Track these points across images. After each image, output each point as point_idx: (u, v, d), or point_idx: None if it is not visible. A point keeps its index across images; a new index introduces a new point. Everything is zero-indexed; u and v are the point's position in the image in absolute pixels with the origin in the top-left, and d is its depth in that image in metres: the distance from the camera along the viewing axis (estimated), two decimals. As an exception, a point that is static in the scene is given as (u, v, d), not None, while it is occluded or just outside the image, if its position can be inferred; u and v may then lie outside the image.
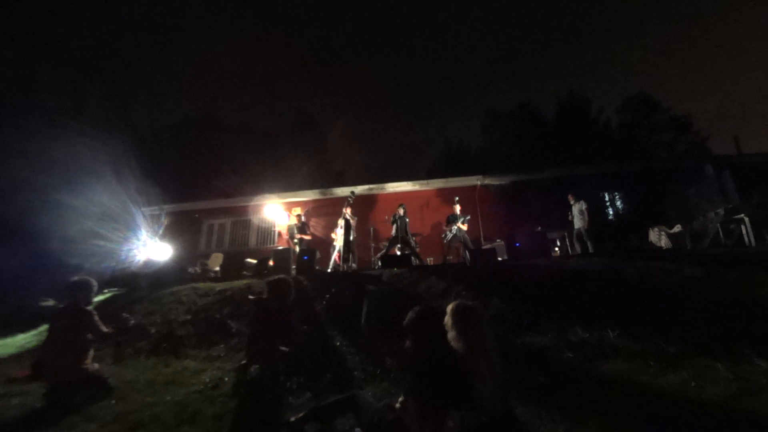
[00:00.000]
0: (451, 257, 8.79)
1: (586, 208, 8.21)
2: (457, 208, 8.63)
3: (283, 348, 3.68)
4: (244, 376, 3.55)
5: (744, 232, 7.11)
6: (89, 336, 3.65)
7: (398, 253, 8.15)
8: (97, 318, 3.74)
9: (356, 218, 8.63)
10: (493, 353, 2.01)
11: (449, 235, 8.50)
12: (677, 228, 8.21)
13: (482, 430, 1.80)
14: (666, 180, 10.77)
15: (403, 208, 8.58)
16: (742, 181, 8.85)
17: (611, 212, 11.51)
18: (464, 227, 8.39)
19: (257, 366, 3.64)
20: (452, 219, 8.54)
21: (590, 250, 7.88)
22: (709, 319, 3.95)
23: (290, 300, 3.88)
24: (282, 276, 4.05)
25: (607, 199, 11.59)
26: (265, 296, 3.93)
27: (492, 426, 1.82)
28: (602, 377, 3.27)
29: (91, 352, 3.64)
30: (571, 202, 8.46)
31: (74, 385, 3.37)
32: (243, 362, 3.68)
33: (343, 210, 8.26)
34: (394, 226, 8.42)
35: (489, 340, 2.04)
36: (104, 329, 3.75)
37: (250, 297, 4.66)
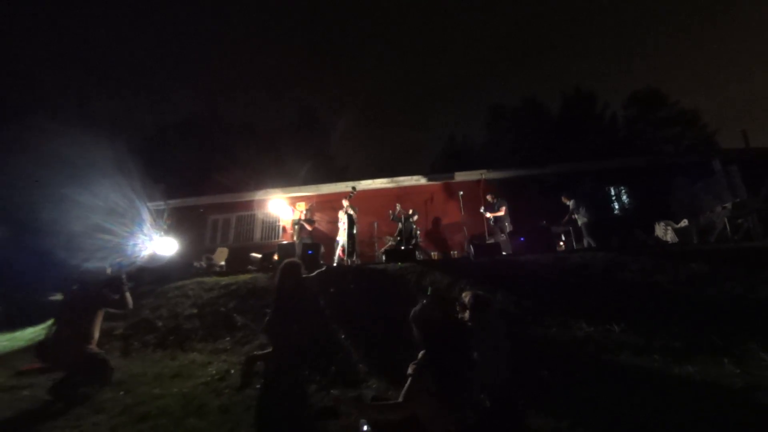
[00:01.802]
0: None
1: (573, 208, 8.39)
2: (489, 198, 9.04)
3: (302, 328, 3.69)
4: (250, 369, 3.58)
5: (751, 226, 7.04)
6: (101, 315, 3.77)
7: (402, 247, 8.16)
8: (107, 292, 3.86)
9: (357, 209, 8.62)
10: (502, 337, 2.10)
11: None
12: (684, 223, 8.14)
13: (489, 420, 1.82)
14: (673, 175, 10.66)
15: (414, 212, 8.89)
16: (750, 176, 8.71)
17: (617, 207, 11.43)
18: (501, 213, 8.65)
19: (264, 360, 3.66)
20: (489, 207, 8.95)
21: (592, 245, 7.87)
22: (715, 314, 3.93)
23: (301, 279, 3.86)
24: (291, 259, 4.07)
25: (612, 193, 11.51)
26: (277, 281, 3.87)
27: (499, 414, 1.84)
28: (607, 371, 3.27)
29: (96, 336, 3.70)
30: (567, 203, 8.56)
31: (77, 365, 3.42)
32: (256, 353, 3.71)
33: (344, 204, 8.26)
34: (399, 225, 8.47)
35: (499, 327, 2.15)
36: (115, 296, 3.86)
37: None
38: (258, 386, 3.38)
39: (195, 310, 5.47)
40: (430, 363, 1.91)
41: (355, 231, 8.14)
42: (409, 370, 1.94)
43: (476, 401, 1.88)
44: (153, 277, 7.10)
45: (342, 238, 8.21)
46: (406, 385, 1.90)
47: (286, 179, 19.02)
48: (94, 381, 3.49)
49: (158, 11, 61.00)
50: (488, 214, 8.90)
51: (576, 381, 3.12)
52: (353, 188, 8.82)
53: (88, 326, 3.62)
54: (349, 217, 8.06)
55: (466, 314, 2.24)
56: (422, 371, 1.90)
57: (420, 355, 1.99)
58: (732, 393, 2.70)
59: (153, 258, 9.48)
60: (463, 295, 2.33)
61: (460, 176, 11.76)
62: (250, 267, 8.20)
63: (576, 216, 8.37)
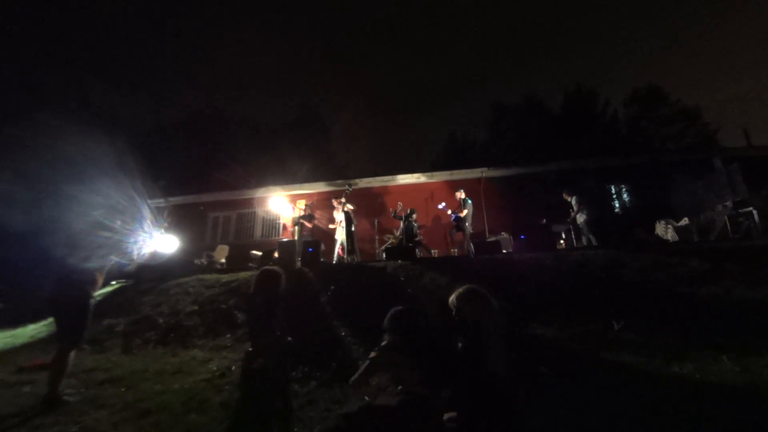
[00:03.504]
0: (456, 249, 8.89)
1: (576, 203, 8.25)
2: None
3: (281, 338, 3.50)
4: (249, 364, 3.57)
5: (752, 225, 7.03)
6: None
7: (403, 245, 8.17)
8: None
9: (354, 207, 8.57)
10: (499, 330, 2.13)
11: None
12: (684, 221, 8.14)
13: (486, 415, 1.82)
14: (673, 172, 10.64)
15: (413, 211, 8.73)
16: (752, 174, 8.70)
17: (617, 205, 11.41)
18: (463, 214, 8.45)
19: (260, 359, 3.63)
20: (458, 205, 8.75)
21: (593, 243, 7.86)
22: (716, 311, 3.93)
23: (279, 291, 3.35)
24: (267, 268, 3.53)
25: (613, 191, 11.49)
26: (251, 290, 3.65)
27: (496, 411, 1.84)
28: (606, 369, 3.27)
29: (98, 285, 3.71)
30: (568, 199, 8.49)
31: (71, 308, 3.39)
32: (249, 350, 3.69)
33: (341, 202, 8.23)
34: (402, 225, 8.47)
35: (498, 320, 2.23)
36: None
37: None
38: (256, 382, 3.37)
39: (196, 307, 5.49)
40: (396, 346, 1.98)
41: (353, 228, 8.11)
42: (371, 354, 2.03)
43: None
44: (154, 274, 7.11)
45: (340, 236, 8.20)
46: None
47: (286, 177, 19.01)
48: (70, 332, 3.37)
49: (159, 8, 60.88)
50: (449, 212, 8.73)
51: (575, 378, 3.13)
52: (348, 185, 8.79)
53: (90, 277, 3.61)
54: (347, 215, 8.03)
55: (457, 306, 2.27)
56: (386, 352, 2.03)
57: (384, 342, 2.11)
58: (732, 391, 2.70)
59: (154, 255, 9.49)
60: (452, 298, 2.34)
61: (461, 174, 11.75)
62: (250, 264, 8.21)
63: (577, 213, 8.32)
